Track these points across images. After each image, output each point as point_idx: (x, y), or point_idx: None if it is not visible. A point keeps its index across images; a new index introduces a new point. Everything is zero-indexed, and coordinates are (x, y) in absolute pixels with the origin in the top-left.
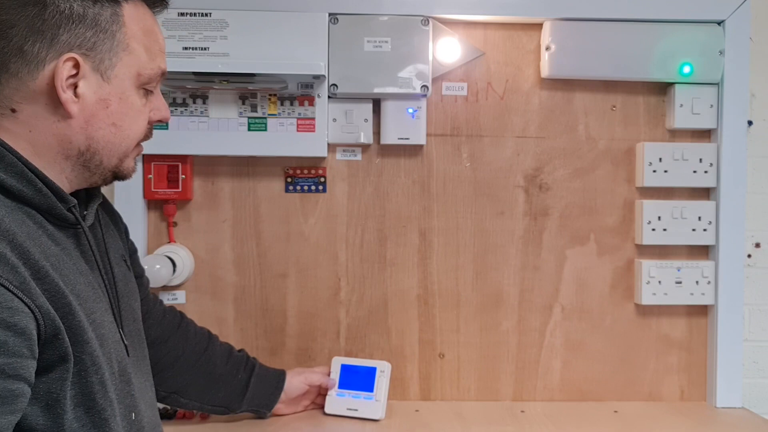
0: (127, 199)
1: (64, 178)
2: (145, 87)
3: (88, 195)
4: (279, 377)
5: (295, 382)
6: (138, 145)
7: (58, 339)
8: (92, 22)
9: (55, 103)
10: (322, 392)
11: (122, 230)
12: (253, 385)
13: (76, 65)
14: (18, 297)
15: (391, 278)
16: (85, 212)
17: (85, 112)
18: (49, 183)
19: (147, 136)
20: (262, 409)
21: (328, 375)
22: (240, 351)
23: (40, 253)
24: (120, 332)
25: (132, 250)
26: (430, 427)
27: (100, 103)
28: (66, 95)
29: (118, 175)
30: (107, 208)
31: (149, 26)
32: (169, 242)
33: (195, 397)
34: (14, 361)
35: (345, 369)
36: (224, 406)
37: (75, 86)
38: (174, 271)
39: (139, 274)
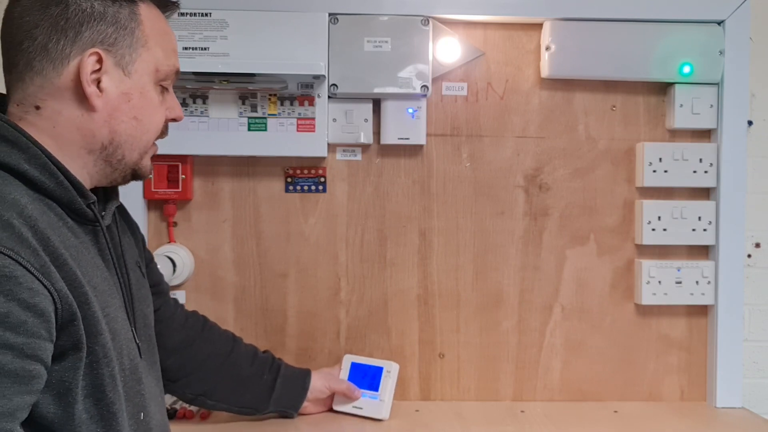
0: (127, 199)
1: (85, 174)
2: (162, 84)
3: (106, 196)
4: (305, 377)
5: (319, 385)
6: (154, 143)
7: (73, 325)
8: (112, 19)
9: (80, 98)
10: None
11: (139, 239)
12: (279, 386)
13: (100, 60)
14: (38, 279)
15: (391, 278)
16: (103, 212)
17: (109, 106)
18: (70, 177)
19: (163, 133)
20: (289, 410)
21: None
22: (265, 352)
23: (60, 242)
24: (133, 331)
25: (149, 260)
26: (430, 427)
27: (122, 97)
28: (91, 89)
29: (137, 173)
30: (125, 216)
31: (163, 26)
32: (169, 242)
33: (222, 398)
34: (32, 342)
35: (354, 367)
36: (251, 407)
37: (98, 81)
38: (174, 271)
39: (158, 282)
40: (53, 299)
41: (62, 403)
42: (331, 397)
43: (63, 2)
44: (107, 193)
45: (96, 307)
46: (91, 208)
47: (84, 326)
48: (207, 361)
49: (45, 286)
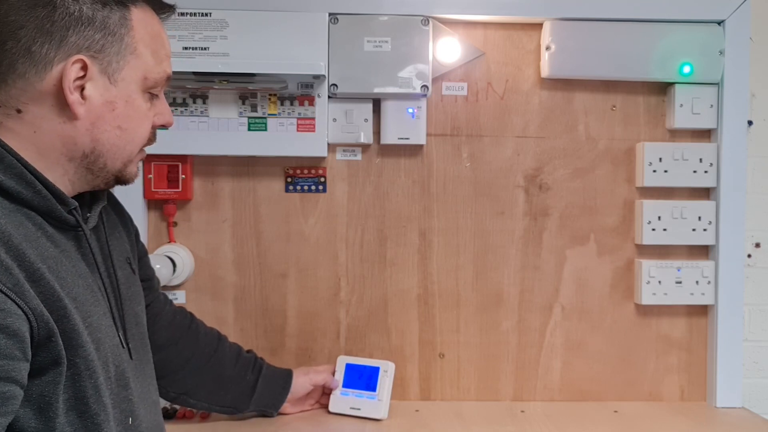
0: (127, 199)
1: (66, 181)
2: (151, 91)
3: (93, 197)
4: (286, 378)
5: (300, 381)
6: (141, 149)
7: (51, 342)
8: (101, 25)
9: (62, 105)
10: (326, 391)
11: (132, 233)
12: (260, 386)
13: (84, 67)
14: (11, 299)
15: (391, 278)
16: (88, 214)
17: (91, 114)
18: (48, 185)
19: (150, 140)
20: (269, 410)
21: (333, 374)
22: (248, 352)
23: (36, 255)
24: (120, 336)
25: (142, 253)
26: (430, 427)
27: (106, 106)
28: (73, 97)
29: (121, 179)
30: (118, 210)
31: (156, 31)
32: (169, 242)
33: (204, 398)
34: (6, 364)
35: (349, 368)
36: (232, 406)
37: (82, 88)
38: (174, 271)
39: (149, 277)
40: (27, 318)
41: (43, 418)
42: (312, 395)
43: (50, 4)
44: (93, 194)
45: (76, 319)
46: (72, 214)
47: (63, 341)
48: (191, 360)
49: (18, 306)
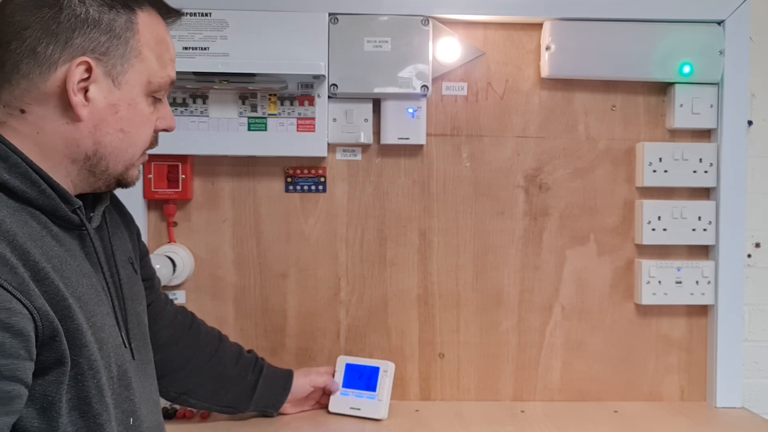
0: (128, 199)
1: (69, 182)
2: (154, 95)
3: (96, 197)
4: (286, 378)
5: (301, 383)
6: (143, 153)
7: (55, 341)
8: (107, 28)
9: (65, 106)
10: (326, 392)
11: (134, 232)
12: (261, 386)
13: (89, 69)
14: (16, 298)
15: (391, 278)
16: (91, 214)
17: (95, 117)
18: (53, 184)
19: (152, 144)
20: (270, 410)
21: (333, 374)
22: (249, 352)
23: (41, 254)
24: (122, 335)
25: (143, 253)
26: (430, 427)
27: (109, 108)
28: (77, 98)
29: (122, 182)
30: (120, 209)
31: (162, 35)
32: (169, 242)
33: (204, 397)
34: (11, 363)
35: (349, 368)
36: (232, 406)
37: (86, 90)
38: (174, 271)
39: (150, 276)
40: (32, 317)
41: (46, 417)
42: (312, 396)
43: (57, 5)
44: (97, 194)
45: (80, 319)
46: (77, 213)
47: (67, 340)
48: (192, 359)
49: (24, 305)
